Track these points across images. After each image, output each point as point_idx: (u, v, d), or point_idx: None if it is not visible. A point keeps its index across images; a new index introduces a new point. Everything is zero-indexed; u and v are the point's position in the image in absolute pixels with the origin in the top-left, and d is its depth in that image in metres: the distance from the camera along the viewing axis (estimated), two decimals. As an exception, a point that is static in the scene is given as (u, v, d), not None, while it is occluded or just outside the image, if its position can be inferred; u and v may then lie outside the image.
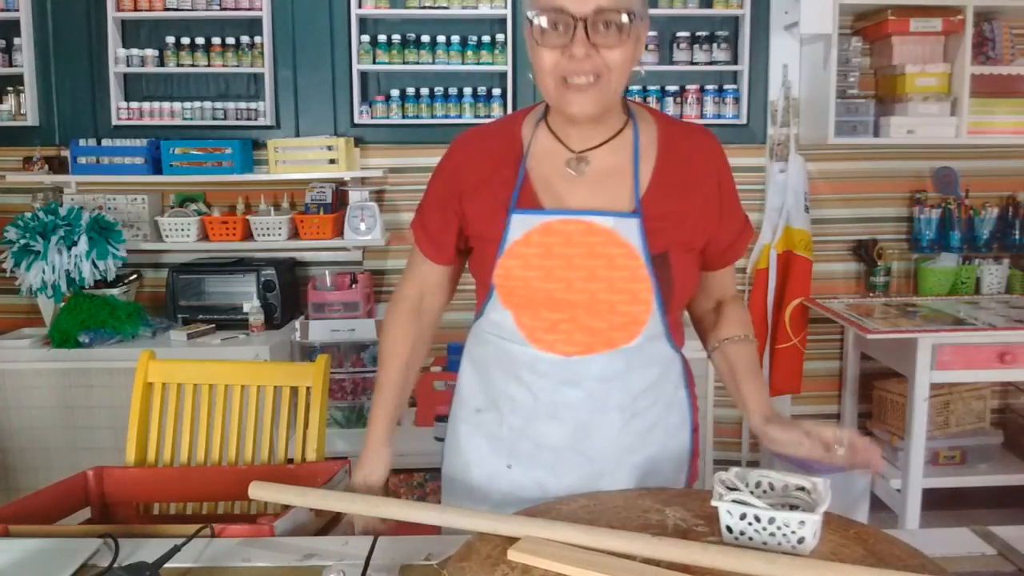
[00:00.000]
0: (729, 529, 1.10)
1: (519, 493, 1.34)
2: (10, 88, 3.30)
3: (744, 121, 3.32)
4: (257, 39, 3.23)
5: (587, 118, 1.23)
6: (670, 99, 3.30)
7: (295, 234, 3.27)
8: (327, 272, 3.08)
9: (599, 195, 1.27)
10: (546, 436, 1.33)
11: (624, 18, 1.15)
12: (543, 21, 1.16)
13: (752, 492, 1.12)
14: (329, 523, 1.55)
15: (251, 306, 3.07)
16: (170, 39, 3.26)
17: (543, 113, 1.33)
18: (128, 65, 3.23)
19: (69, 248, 2.89)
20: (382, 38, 3.25)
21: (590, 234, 1.25)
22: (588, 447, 1.33)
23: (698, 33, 3.27)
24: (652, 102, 3.29)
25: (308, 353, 2.91)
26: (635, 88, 3.30)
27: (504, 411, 1.36)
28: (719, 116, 3.29)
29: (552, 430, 1.33)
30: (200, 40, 3.22)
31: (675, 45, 3.28)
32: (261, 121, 3.28)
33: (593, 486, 1.33)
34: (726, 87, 3.29)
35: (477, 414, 1.40)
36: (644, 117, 1.33)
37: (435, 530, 1.44)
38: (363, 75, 3.32)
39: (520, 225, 1.27)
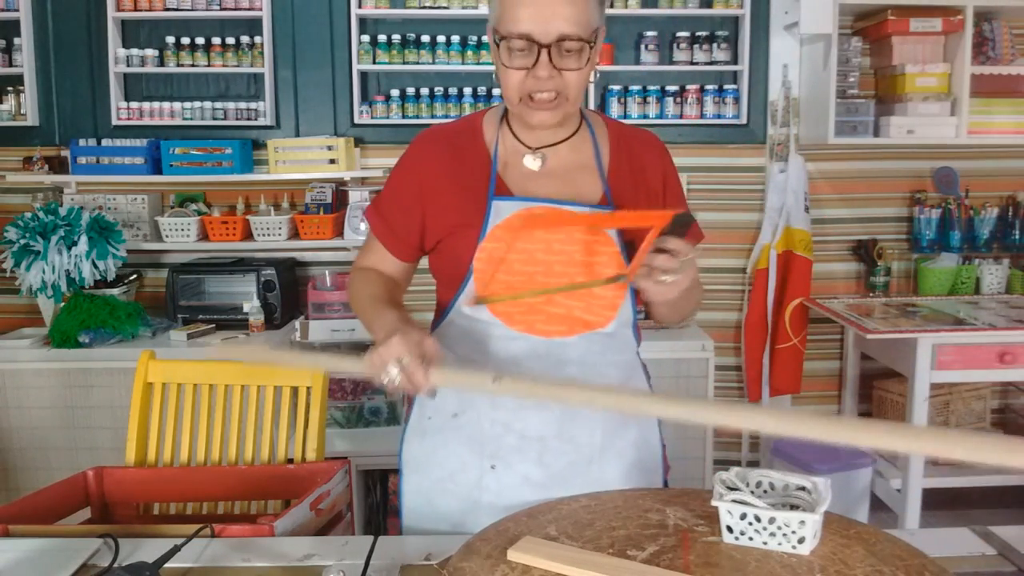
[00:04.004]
0: (729, 529, 1.10)
1: (507, 493, 1.33)
2: (10, 88, 3.30)
3: (744, 121, 3.32)
4: (257, 39, 3.23)
5: (547, 128, 1.33)
6: (670, 99, 3.30)
7: (295, 234, 3.27)
8: (327, 272, 3.07)
9: (569, 188, 1.34)
10: (532, 426, 1.34)
11: (583, 44, 1.22)
12: (510, 45, 1.23)
13: (752, 492, 1.12)
14: (329, 523, 1.56)
15: (251, 306, 3.07)
16: (170, 39, 3.26)
17: (503, 113, 1.39)
18: (128, 65, 3.23)
19: (69, 248, 2.89)
20: (382, 38, 3.25)
21: (569, 221, 1.31)
22: (574, 433, 1.34)
23: (698, 33, 3.27)
24: (652, 102, 3.30)
25: (308, 353, 2.91)
26: (635, 88, 3.29)
27: (483, 409, 1.35)
28: (719, 116, 3.29)
29: (538, 419, 1.33)
30: (200, 40, 3.22)
31: (675, 45, 3.28)
32: (261, 121, 3.28)
33: (582, 473, 1.34)
34: (726, 87, 3.29)
35: (455, 419, 1.37)
36: (596, 120, 1.42)
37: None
38: (363, 75, 3.32)
39: (501, 211, 1.31)
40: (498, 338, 1.33)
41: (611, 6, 3.21)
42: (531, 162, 1.35)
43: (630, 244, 1.31)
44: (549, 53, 1.21)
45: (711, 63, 3.29)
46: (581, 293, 1.32)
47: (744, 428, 1.03)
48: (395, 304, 1.32)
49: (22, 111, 3.29)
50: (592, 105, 3.29)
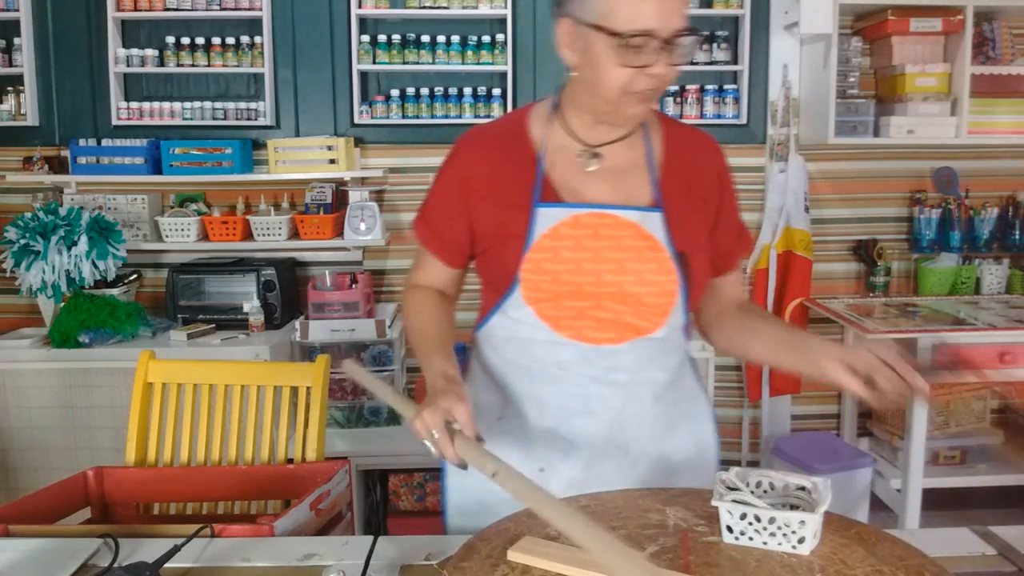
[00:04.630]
0: (729, 529, 1.10)
1: (554, 493, 1.32)
2: (10, 88, 3.30)
3: (744, 121, 3.32)
4: (257, 39, 3.23)
5: (639, 123, 1.29)
6: (670, 99, 3.30)
7: (295, 234, 3.27)
8: (327, 272, 3.08)
9: (618, 190, 1.30)
10: (581, 433, 1.32)
11: (691, 36, 1.17)
12: (629, 42, 1.14)
13: (752, 492, 1.12)
14: (329, 523, 1.56)
15: (251, 306, 3.07)
16: (170, 39, 3.26)
17: (552, 108, 1.33)
18: (128, 65, 3.23)
19: (69, 248, 2.89)
20: (382, 38, 3.25)
21: (617, 228, 1.26)
22: (624, 439, 1.33)
23: (698, 33, 3.27)
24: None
25: (308, 353, 2.91)
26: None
27: (531, 414, 1.34)
28: (719, 116, 3.29)
29: (587, 425, 1.32)
30: (200, 40, 3.22)
31: (675, 45, 3.28)
32: (261, 121, 3.28)
33: (628, 476, 1.33)
34: (726, 87, 3.29)
35: (500, 422, 1.36)
36: (651, 117, 1.35)
37: (436, 530, 1.43)
38: (363, 75, 3.32)
39: (547, 219, 1.27)
40: (544, 343, 1.31)
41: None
42: (587, 161, 1.30)
43: (683, 255, 1.28)
44: (667, 49, 1.16)
45: (711, 63, 3.29)
46: (630, 298, 1.28)
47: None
48: (443, 343, 1.31)
49: (22, 111, 3.29)
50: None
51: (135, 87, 3.34)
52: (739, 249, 1.42)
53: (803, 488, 1.13)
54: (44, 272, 2.88)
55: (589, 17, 1.16)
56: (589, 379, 1.31)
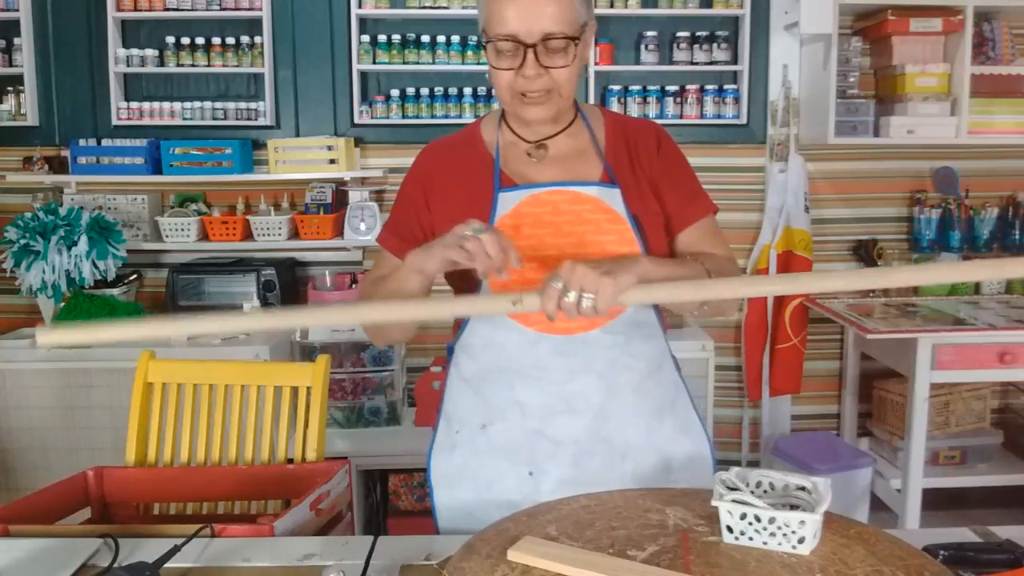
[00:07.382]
0: (729, 529, 1.10)
1: (545, 497, 1.32)
2: (10, 88, 3.30)
3: (744, 121, 3.32)
4: (257, 39, 3.23)
5: (542, 124, 1.34)
6: (670, 99, 3.30)
7: (295, 234, 3.27)
8: (327, 272, 3.08)
9: (570, 172, 1.35)
10: (565, 431, 1.33)
11: (568, 41, 1.23)
12: (497, 46, 1.24)
13: (752, 492, 1.12)
14: (329, 523, 1.56)
15: (251, 306, 3.06)
16: (170, 39, 3.26)
17: (500, 115, 1.41)
18: (128, 65, 3.23)
19: (69, 248, 2.89)
20: (382, 38, 3.25)
21: (577, 202, 1.31)
22: (608, 433, 1.34)
23: (698, 33, 3.27)
24: (652, 102, 3.30)
25: (308, 353, 2.90)
26: (635, 88, 3.30)
27: (513, 418, 1.35)
28: (719, 116, 3.29)
29: (570, 423, 1.33)
30: (200, 40, 3.22)
31: (675, 45, 3.28)
32: (261, 121, 3.28)
33: (617, 469, 1.34)
34: (726, 87, 3.29)
35: (484, 430, 1.37)
36: (592, 111, 1.43)
37: (436, 530, 1.43)
38: (363, 75, 3.32)
39: (507, 201, 1.32)
40: (519, 343, 1.32)
41: (611, 6, 3.21)
42: (533, 154, 1.36)
43: (637, 219, 1.31)
44: (535, 52, 1.22)
45: (711, 63, 3.29)
46: None
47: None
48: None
49: (22, 111, 3.30)
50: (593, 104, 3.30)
51: (135, 87, 3.34)
52: (693, 210, 1.38)
53: (803, 488, 1.13)
54: (44, 272, 2.88)
55: (480, 24, 1.28)
56: (568, 374, 1.32)
